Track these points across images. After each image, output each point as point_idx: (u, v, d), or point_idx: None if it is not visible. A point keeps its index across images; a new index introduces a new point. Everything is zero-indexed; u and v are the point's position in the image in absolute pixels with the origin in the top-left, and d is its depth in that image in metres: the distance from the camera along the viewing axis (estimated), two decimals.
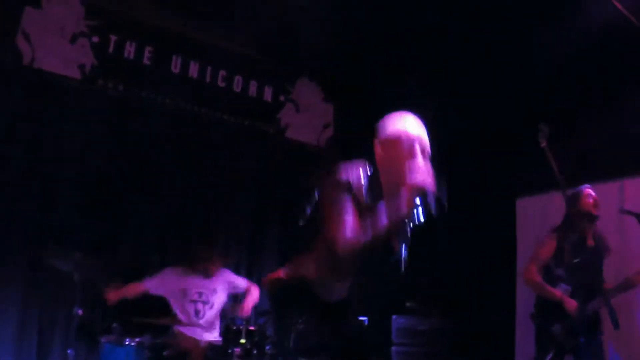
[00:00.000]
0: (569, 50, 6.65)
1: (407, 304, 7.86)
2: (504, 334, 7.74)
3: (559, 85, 7.22)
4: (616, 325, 4.66)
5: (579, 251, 5.64)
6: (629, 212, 5.76)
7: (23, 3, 6.66)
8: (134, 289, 6.29)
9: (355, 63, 8.16)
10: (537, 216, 7.95)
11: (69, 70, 6.87)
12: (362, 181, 3.20)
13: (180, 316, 6.34)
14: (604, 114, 7.24)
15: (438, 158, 7.81)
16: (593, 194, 5.73)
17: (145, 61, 7.33)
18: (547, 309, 5.56)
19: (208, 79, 7.72)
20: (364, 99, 8.57)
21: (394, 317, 7.57)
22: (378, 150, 3.29)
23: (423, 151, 3.23)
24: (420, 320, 7.75)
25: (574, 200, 5.67)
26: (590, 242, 5.71)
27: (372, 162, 3.30)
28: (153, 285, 6.39)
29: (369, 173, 3.24)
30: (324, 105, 8.73)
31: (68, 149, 6.73)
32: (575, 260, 5.58)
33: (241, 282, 6.76)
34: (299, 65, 8.44)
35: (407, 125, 3.29)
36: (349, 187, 3.18)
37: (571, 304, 5.49)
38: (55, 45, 6.81)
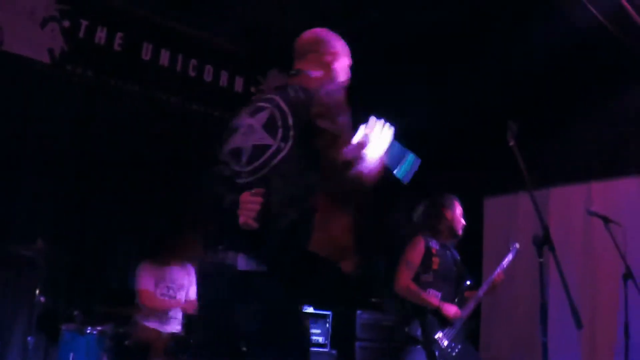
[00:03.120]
0: (540, 52, 6.70)
1: (372, 300, 7.86)
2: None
3: (528, 86, 7.26)
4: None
5: (444, 258, 5.63)
6: (597, 214, 5.81)
7: None
8: (155, 303, 6.24)
9: None
10: (505, 216, 8.00)
11: (38, 54, 6.77)
12: None
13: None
14: (572, 116, 7.30)
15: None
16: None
17: (116, 47, 7.25)
18: (424, 319, 5.36)
19: (179, 68, 7.66)
20: None
21: (358, 312, 7.57)
22: None
23: None
24: (384, 316, 7.76)
25: (444, 209, 5.71)
26: (453, 252, 5.77)
27: None
28: (148, 283, 6.29)
29: None
30: None
31: (34, 133, 6.65)
32: (442, 268, 5.55)
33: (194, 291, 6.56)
34: (270, 56, 8.39)
35: None
36: None
37: (451, 310, 5.37)
38: (25, 28, 6.72)
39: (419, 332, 5.30)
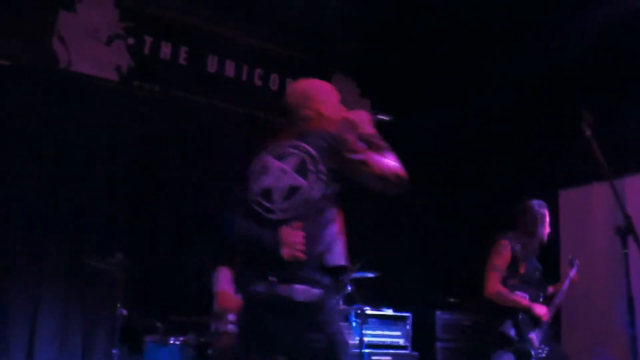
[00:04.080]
0: (611, 36, 6.57)
1: (451, 299, 7.79)
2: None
3: (601, 72, 7.12)
4: None
5: (529, 263, 5.63)
6: None
7: (57, 7, 6.70)
8: (234, 302, 6.26)
9: (392, 58, 8.12)
10: (581, 207, 7.85)
11: (105, 72, 6.92)
12: None
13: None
14: None
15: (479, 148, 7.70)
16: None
17: (181, 61, 7.36)
18: (517, 318, 5.38)
19: (244, 78, 7.73)
20: (401, 93, 8.52)
21: (437, 312, 7.50)
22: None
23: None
24: (464, 316, 7.68)
25: (533, 219, 5.69)
26: (534, 259, 5.73)
27: None
28: (226, 285, 6.33)
29: None
30: (360, 100, 8.68)
31: (106, 150, 6.78)
32: (527, 273, 5.58)
33: None
34: (334, 61, 8.40)
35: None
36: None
37: (541, 310, 5.42)
38: (91, 47, 6.87)
39: (512, 332, 5.30)
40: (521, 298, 5.43)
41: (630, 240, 3.81)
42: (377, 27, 7.52)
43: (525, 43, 7.21)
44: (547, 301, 5.61)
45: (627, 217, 3.84)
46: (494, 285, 5.46)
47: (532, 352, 5.23)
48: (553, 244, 7.71)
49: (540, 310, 5.40)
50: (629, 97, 7.18)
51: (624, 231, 3.81)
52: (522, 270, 5.50)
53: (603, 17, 6.48)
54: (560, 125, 6.73)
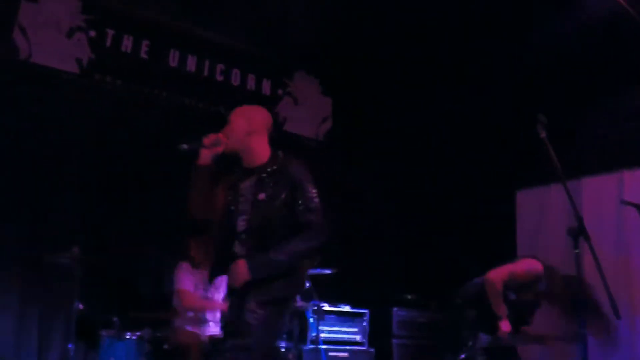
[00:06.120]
0: (570, 42, 6.66)
1: (408, 297, 7.84)
2: None
3: (559, 77, 7.22)
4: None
5: (524, 293, 5.63)
6: (630, 203, 5.75)
7: None
8: (195, 303, 6.25)
9: (354, 57, 8.15)
10: (537, 208, 7.95)
11: (66, 64, 6.85)
12: None
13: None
14: (603, 106, 7.23)
15: (438, 149, 7.77)
16: None
17: (143, 55, 7.32)
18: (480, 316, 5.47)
19: (206, 73, 7.72)
20: (362, 92, 8.56)
21: (394, 309, 7.54)
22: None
23: None
24: (420, 313, 7.74)
25: (557, 281, 5.65)
26: (532, 296, 5.71)
27: None
28: (188, 283, 6.28)
29: None
30: (322, 98, 8.71)
31: (65, 143, 6.71)
32: (516, 298, 5.60)
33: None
34: (296, 58, 8.42)
35: None
36: None
37: (506, 327, 5.40)
38: (52, 39, 6.80)
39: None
40: (504, 307, 5.44)
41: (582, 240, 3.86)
42: (340, 26, 7.54)
43: (486, 47, 7.28)
44: None
45: (579, 218, 3.89)
46: (496, 278, 5.49)
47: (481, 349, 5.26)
48: (509, 245, 7.85)
49: (505, 327, 5.40)
50: (587, 102, 7.30)
51: (576, 232, 3.85)
52: (517, 293, 5.55)
53: (563, 25, 6.55)
54: (518, 127, 6.81)
